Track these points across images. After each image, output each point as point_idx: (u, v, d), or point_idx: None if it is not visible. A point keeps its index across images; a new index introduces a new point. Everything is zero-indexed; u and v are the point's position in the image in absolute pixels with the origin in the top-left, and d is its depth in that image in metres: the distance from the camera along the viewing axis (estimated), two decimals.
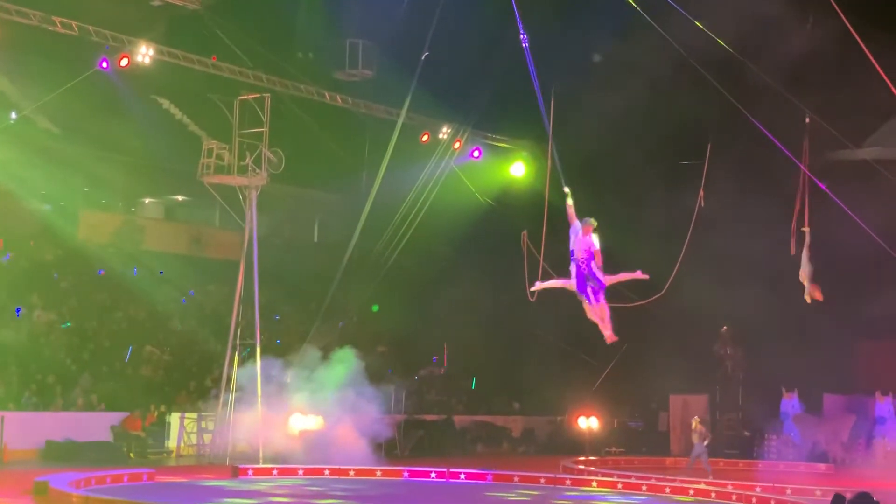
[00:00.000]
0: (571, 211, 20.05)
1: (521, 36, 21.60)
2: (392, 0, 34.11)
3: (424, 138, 38.37)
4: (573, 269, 19.74)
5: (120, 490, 23.06)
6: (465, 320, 41.02)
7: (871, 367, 37.57)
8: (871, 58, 19.11)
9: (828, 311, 30.41)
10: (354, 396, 30.40)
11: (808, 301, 28.43)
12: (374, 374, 33.84)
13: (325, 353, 31.86)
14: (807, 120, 28.76)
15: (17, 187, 35.26)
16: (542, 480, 27.13)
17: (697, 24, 24.70)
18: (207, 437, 31.65)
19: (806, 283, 28.45)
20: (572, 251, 19.77)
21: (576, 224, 19.83)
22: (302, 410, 30.92)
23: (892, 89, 19.04)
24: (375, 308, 36.84)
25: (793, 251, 28.94)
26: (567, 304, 36.39)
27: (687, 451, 37.82)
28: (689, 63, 27.14)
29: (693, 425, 31.83)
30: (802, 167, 28.04)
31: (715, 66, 27.99)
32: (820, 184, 27.46)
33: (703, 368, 39.25)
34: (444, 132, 38.29)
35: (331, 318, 36.30)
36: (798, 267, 28.72)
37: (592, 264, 19.65)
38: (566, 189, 20.15)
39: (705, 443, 31.27)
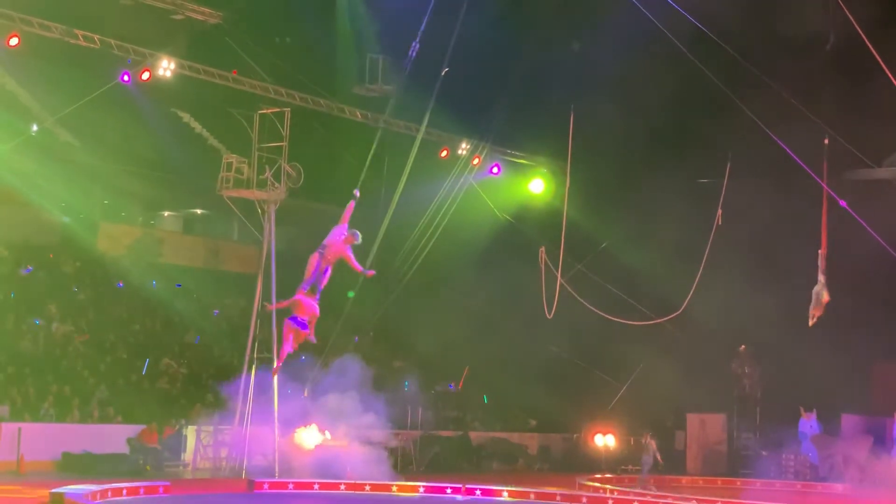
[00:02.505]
0: (349, 213, 21.50)
1: (414, 44, 22.72)
2: (412, 16, 34.22)
3: (443, 154, 38.42)
4: (315, 259, 21.07)
5: (136, 503, 23.11)
6: (482, 336, 40.98)
7: (888, 389, 37.37)
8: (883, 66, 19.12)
9: (846, 332, 30.36)
10: (363, 408, 30.53)
11: (811, 323, 28.39)
12: (390, 388, 33.93)
13: (325, 363, 32.00)
14: (825, 141, 28.70)
15: (37, 199, 35.46)
16: (559, 497, 27.02)
17: (720, 42, 24.72)
18: (224, 451, 31.64)
19: (815, 305, 28.36)
20: (325, 244, 21.03)
21: (345, 227, 21.22)
22: (317, 424, 30.96)
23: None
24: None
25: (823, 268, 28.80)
26: (584, 321, 36.63)
27: (704, 471, 37.80)
28: (707, 80, 27.15)
29: (648, 441, 32.37)
30: (825, 186, 27.94)
31: (733, 83, 28.03)
32: (843, 203, 27.35)
33: (720, 387, 39.11)
34: (464, 148, 38.30)
35: (348, 332, 36.32)
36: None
37: (330, 268, 21.09)
38: (357, 192, 22.20)
39: (652, 457, 31.96)
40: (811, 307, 28.43)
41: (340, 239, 22.06)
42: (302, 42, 37.91)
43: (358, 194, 22.49)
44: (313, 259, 21.87)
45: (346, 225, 22.25)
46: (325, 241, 22.09)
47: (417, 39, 24.87)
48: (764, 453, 37.49)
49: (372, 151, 28.54)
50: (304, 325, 21.81)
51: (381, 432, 31.96)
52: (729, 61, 27.13)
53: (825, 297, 28.22)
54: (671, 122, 37.47)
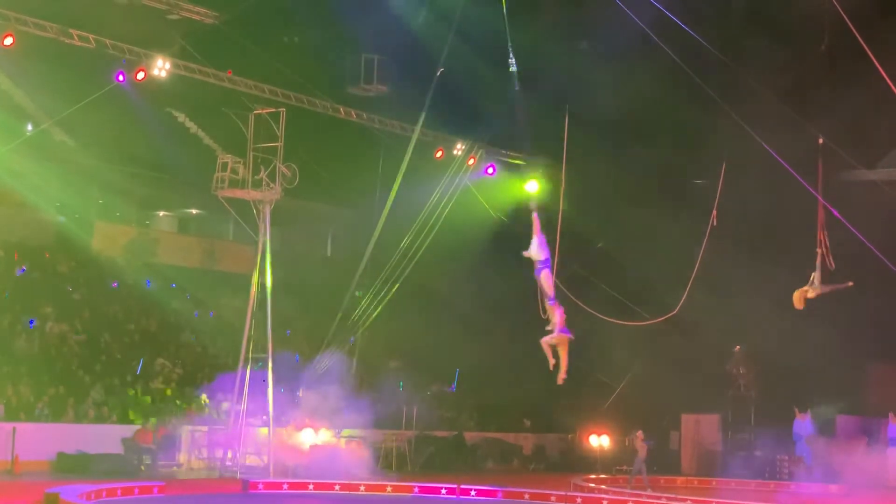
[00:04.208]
0: (538, 226, 22.04)
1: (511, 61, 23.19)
2: (408, 16, 34.24)
3: (438, 154, 38.40)
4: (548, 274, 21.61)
5: (131, 503, 23.11)
6: (477, 336, 40.96)
7: (883, 389, 37.43)
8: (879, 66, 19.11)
9: (841, 332, 30.40)
10: (354, 407, 30.67)
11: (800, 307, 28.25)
12: (385, 388, 33.97)
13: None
14: (819, 141, 28.68)
15: (32, 198, 35.44)
16: (553, 498, 27.03)
17: (713, 49, 24.75)
18: (218, 451, 31.63)
19: (800, 301, 28.27)
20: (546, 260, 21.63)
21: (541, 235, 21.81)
22: (311, 424, 30.98)
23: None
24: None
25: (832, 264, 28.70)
26: (579, 321, 36.61)
27: (699, 471, 37.81)
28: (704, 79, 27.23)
29: (638, 438, 32.45)
30: (819, 197, 27.90)
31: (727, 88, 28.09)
32: (835, 212, 27.33)
33: (715, 388, 39.11)
34: (459, 148, 38.28)
35: (343, 332, 36.32)
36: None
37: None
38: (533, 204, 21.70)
39: (643, 457, 32.29)
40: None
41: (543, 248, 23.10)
42: (297, 41, 37.88)
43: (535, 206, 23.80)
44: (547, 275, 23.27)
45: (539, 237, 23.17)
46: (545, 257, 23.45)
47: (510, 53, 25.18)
48: (758, 454, 37.52)
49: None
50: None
51: (370, 431, 32.03)
52: (721, 64, 27.19)
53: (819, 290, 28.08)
54: (667, 123, 37.47)
